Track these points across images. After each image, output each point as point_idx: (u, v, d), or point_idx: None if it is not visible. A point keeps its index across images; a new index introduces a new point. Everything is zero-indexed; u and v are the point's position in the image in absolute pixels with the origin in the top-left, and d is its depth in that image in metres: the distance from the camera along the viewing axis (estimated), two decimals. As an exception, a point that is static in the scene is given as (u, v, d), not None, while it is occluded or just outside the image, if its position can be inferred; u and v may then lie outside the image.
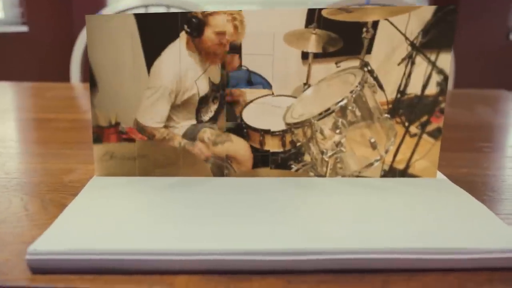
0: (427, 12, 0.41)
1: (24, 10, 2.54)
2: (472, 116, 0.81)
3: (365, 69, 0.43)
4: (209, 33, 0.42)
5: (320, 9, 0.42)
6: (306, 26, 0.42)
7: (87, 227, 0.33)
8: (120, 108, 0.44)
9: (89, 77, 0.43)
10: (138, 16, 0.42)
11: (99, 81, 0.43)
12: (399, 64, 0.43)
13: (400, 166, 0.45)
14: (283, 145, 0.45)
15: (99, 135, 0.44)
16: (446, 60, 0.42)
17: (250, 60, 0.43)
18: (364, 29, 0.42)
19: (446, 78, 0.43)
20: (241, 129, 0.44)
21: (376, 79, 0.43)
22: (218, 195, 0.39)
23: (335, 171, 0.45)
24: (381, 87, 0.43)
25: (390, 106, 0.44)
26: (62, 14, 2.77)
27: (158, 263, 0.30)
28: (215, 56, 0.42)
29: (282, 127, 0.44)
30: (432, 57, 0.42)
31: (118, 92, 0.43)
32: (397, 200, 0.39)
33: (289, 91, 0.44)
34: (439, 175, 0.45)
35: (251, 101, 0.44)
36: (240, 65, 0.43)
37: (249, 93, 0.44)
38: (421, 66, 0.43)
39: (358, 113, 0.44)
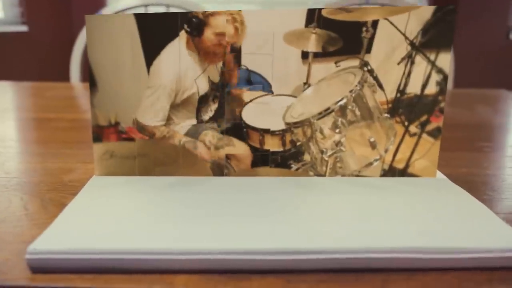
0: (426, 11, 0.41)
1: (24, 10, 2.54)
2: (472, 115, 0.81)
3: (365, 68, 0.43)
4: (209, 34, 0.42)
5: (320, 9, 0.42)
6: (306, 25, 0.42)
7: (87, 226, 0.33)
8: (120, 107, 0.44)
9: (88, 76, 0.43)
10: (137, 16, 0.42)
11: (98, 81, 0.43)
12: (398, 64, 0.43)
13: (400, 165, 0.45)
14: (283, 144, 0.45)
15: (98, 134, 0.44)
16: (445, 60, 0.42)
17: (250, 60, 0.43)
18: (364, 29, 0.42)
19: (445, 78, 0.43)
20: (240, 129, 0.44)
21: (375, 78, 0.43)
22: (217, 195, 0.39)
23: (334, 170, 0.45)
24: (380, 86, 0.43)
25: (390, 105, 0.44)
26: (61, 13, 2.76)
27: (158, 263, 0.30)
28: (215, 56, 0.42)
29: (282, 126, 0.44)
30: (432, 57, 0.42)
31: (117, 92, 0.43)
32: (396, 200, 0.39)
33: (289, 91, 0.44)
34: (439, 174, 0.45)
35: (251, 101, 0.44)
36: (239, 66, 0.43)
37: (249, 92, 0.44)
38: (420, 65, 0.43)
39: (357, 112, 0.44)
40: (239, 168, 0.45)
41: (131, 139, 0.44)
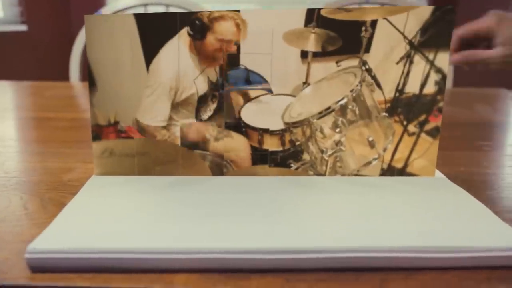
0: (425, 11, 0.42)
1: (23, 9, 2.53)
2: (471, 114, 0.81)
3: (363, 67, 0.43)
4: (211, 39, 0.42)
5: (319, 9, 0.42)
6: (305, 25, 0.42)
7: (86, 225, 0.33)
8: (119, 107, 0.44)
9: (88, 76, 0.43)
10: (137, 16, 0.42)
11: (98, 80, 0.43)
12: (397, 63, 0.43)
13: (399, 164, 0.45)
14: (282, 144, 0.45)
15: (98, 134, 0.44)
16: (444, 59, 0.42)
17: (249, 59, 0.43)
18: (363, 28, 0.42)
19: (444, 77, 0.43)
20: (240, 128, 0.44)
21: (374, 77, 0.43)
22: (217, 194, 0.40)
23: (334, 170, 0.45)
24: (379, 85, 0.43)
25: (389, 105, 0.44)
26: (61, 13, 2.76)
27: (157, 262, 0.30)
28: (214, 60, 0.42)
29: (281, 126, 0.44)
30: (431, 56, 0.42)
31: (117, 91, 0.43)
32: (395, 199, 0.39)
33: (288, 90, 0.44)
34: (438, 173, 0.45)
35: (250, 100, 0.44)
36: (238, 65, 0.43)
37: (248, 92, 0.44)
38: (419, 65, 0.43)
39: (358, 112, 0.44)
40: (238, 168, 0.45)
41: (130, 138, 0.44)
